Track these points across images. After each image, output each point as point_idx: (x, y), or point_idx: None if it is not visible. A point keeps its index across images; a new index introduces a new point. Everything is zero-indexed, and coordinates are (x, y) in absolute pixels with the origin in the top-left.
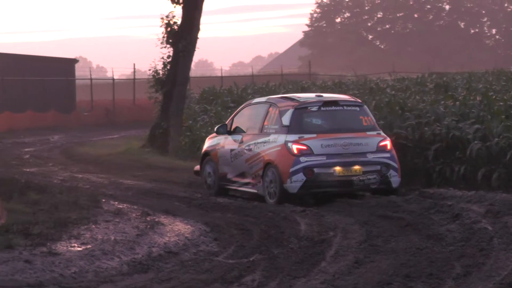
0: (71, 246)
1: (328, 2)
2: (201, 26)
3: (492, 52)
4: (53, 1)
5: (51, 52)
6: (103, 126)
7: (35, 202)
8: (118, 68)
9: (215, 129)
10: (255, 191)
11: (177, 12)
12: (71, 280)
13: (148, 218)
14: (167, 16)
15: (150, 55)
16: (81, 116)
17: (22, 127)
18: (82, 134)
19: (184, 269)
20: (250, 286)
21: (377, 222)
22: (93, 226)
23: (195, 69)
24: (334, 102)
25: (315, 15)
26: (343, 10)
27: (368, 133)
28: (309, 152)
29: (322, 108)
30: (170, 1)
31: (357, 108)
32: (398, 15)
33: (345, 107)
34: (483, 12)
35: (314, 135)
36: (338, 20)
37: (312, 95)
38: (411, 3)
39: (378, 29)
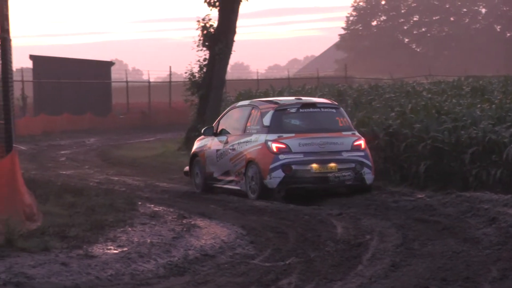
0: (107, 249)
1: (364, 6)
2: (237, 29)
3: None
4: (90, 4)
5: (88, 54)
6: (139, 129)
7: (72, 204)
8: (154, 70)
9: (202, 131)
10: (238, 188)
11: (214, 15)
12: (107, 283)
13: (184, 221)
14: (203, 19)
15: (186, 58)
16: (117, 118)
17: (58, 130)
18: (118, 136)
19: (220, 272)
20: None
21: (414, 226)
22: (129, 228)
23: (231, 72)
24: (312, 104)
25: (351, 18)
26: (379, 13)
27: (344, 133)
28: (287, 150)
29: (300, 110)
30: (206, 4)
31: (334, 110)
32: (434, 18)
33: (322, 109)
34: None
35: (293, 135)
36: (374, 23)
37: (292, 98)
38: (447, 6)
39: (414, 32)
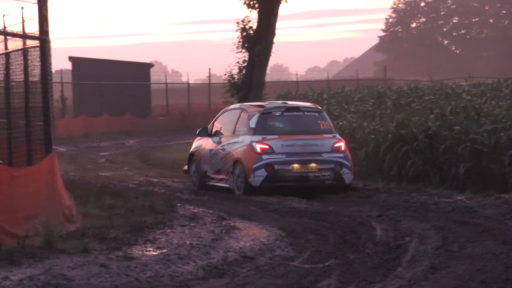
0: (147, 251)
1: (404, 7)
2: (276, 31)
3: None
4: (129, 6)
5: (127, 56)
6: (178, 131)
7: (111, 206)
8: (193, 72)
9: (197, 132)
10: (227, 185)
11: (253, 16)
12: (146, 285)
13: (223, 223)
14: (242, 21)
15: (226, 59)
16: (156, 120)
17: (98, 132)
18: (157, 138)
19: (260, 274)
20: None
21: (453, 228)
22: (169, 230)
23: (270, 74)
24: (296, 108)
25: (390, 20)
26: (419, 15)
27: (325, 135)
28: (270, 151)
29: (284, 113)
30: (246, 6)
31: (316, 114)
32: (473, 20)
33: (305, 113)
34: None
35: (276, 136)
36: (413, 25)
37: (279, 102)
38: (486, 8)
39: (454, 34)
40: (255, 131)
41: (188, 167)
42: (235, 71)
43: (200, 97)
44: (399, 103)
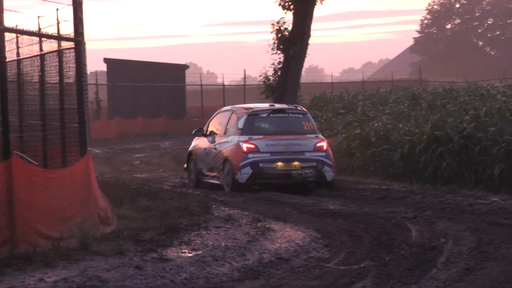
0: (182, 252)
1: (439, 9)
2: (312, 32)
3: None
4: (164, 8)
5: (162, 58)
6: None
7: (146, 208)
8: (228, 74)
9: (193, 132)
10: (218, 182)
11: (288, 18)
12: (181, 286)
13: (258, 224)
14: (278, 23)
15: (261, 61)
16: (192, 122)
17: (133, 133)
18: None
19: (295, 276)
20: None
21: (488, 229)
22: (204, 232)
23: (305, 75)
24: (281, 110)
25: (425, 21)
26: (454, 17)
27: (308, 135)
28: (256, 150)
29: (271, 115)
30: (281, 8)
31: (301, 116)
32: (508, 21)
33: (290, 114)
34: None
35: (261, 136)
36: (448, 26)
37: (266, 105)
38: None
39: (488, 35)
40: (242, 131)
41: (187, 165)
42: (270, 72)
43: (235, 98)
44: (434, 105)
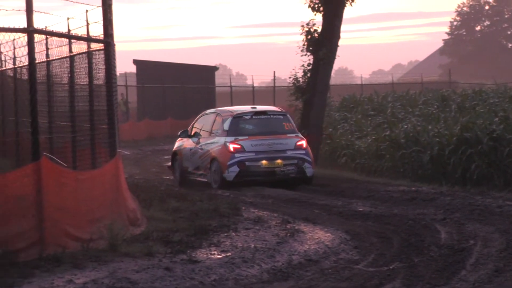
0: (211, 254)
1: (468, 11)
2: (341, 34)
3: None
4: (194, 9)
5: (192, 59)
6: None
7: (175, 209)
8: (258, 75)
9: (178, 133)
10: (205, 180)
11: (318, 20)
12: None
13: (288, 226)
14: (307, 24)
15: (290, 62)
16: None
17: (162, 134)
18: None
19: (324, 277)
20: None
21: None
22: (233, 233)
23: (335, 77)
24: (263, 112)
25: (455, 23)
26: (483, 19)
27: (288, 135)
28: (242, 150)
29: (254, 117)
30: (310, 9)
31: (281, 117)
32: None
33: (271, 116)
34: None
35: (246, 137)
36: (478, 28)
37: (248, 107)
38: None
39: None
40: (228, 132)
41: (172, 164)
42: (299, 74)
43: (265, 100)
44: (464, 106)
